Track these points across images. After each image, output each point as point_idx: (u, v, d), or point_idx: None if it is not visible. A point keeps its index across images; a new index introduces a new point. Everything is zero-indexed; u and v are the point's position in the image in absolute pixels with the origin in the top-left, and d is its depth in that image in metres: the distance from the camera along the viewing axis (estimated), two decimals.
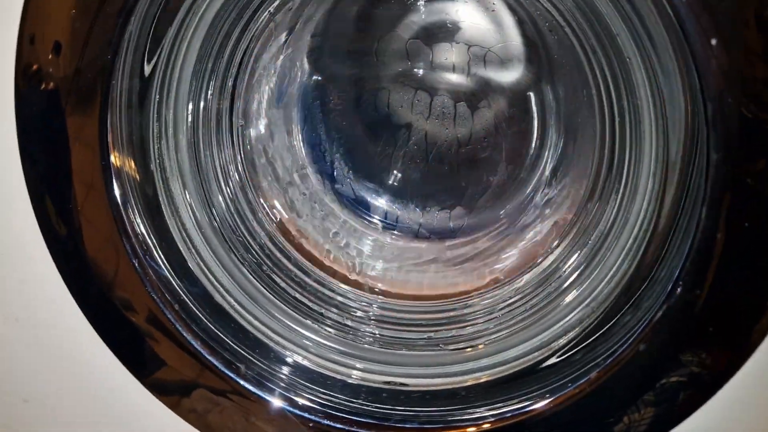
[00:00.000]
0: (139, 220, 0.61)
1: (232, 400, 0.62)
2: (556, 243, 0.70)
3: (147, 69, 0.60)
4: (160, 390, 0.62)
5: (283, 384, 0.62)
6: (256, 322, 0.66)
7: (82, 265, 0.60)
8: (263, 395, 0.62)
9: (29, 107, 0.57)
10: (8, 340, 0.67)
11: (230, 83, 0.71)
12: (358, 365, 0.65)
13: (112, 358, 0.62)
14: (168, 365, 0.61)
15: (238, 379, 0.62)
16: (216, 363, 0.62)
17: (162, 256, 0.62)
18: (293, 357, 0.65)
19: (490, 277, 0.73)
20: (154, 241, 0.62)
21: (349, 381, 0.63)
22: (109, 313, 0.61)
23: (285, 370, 0.63)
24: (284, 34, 0.75)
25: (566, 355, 0.59)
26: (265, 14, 0.70)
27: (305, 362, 0.65)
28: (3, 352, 0.68)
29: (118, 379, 0.63)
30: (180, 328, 0.61)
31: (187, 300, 0.63)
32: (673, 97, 0.51)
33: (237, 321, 0.64)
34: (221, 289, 0.65)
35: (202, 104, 0.68)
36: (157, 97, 0.62)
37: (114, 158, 0.59)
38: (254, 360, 0.63)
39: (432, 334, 0.70)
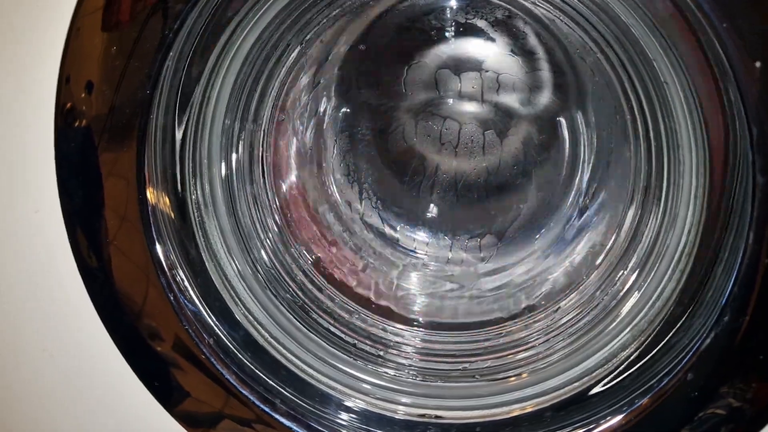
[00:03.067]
0: (173, 257, 0.61)
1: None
2: (592, 269, 0.69)
3: (183, 103, 0.61)
4: (188, 422, 0.62)
5: (328, 423, 0.61)
6: (290, 356, 0.65)
7: (112, 295, 0.60)
8: (298, 430, 0.61)
9: (65, 143, 0.58)
10: (42, 374, 0.67)
11: (263, 114, 0.72)
12: (403, 399, 0.64)
13: (145, 392, 0.62)
14: (192, 396, 0.61)
15: (272, 413, 0.61)
16: (250, 397, 0.61)
17: (196, 290, 0.62)
18: (331, 392, 0.64)
19: (525, 304, 0.72)
20: (189, 275, 0.62)
21: (396, 417, 0.62)
22: (138, 343, 0.61)
23: (327, 408, 0.63)
24: (315, 67, 0.75)
25: (613, 383, 0.57)
26: (298, 48, 0.71)
27: (341, 397, 0.64)
28: (37, 387, 0.68)
29: (151, 413, 0.62)
30: (214, 362, 0.61)
31: (221, 335, 0.63)
32: (713, 120, 0.51)
33: (273, 356, 0.64)
34: (257, 324, 0.65)
35: (235, 137, 0.69)
36: (193, 130, 0.63)
37: (149, 193, 0.60)
38: (290, 395, 0.62)
39: (467, 365, 0.69)
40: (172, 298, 0.61)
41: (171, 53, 0.55)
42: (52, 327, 0.67)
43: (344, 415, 0.63)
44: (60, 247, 0.60)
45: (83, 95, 0.57)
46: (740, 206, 0.50)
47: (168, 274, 0.61)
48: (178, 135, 0.62)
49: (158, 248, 0.60)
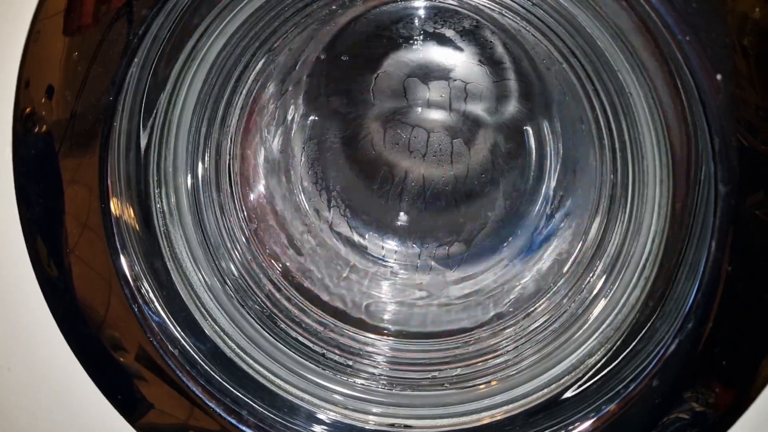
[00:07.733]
0: (138, 268, 0.60)
1: None
2: (560, 276, 0.70)
3: (148, 110, 0.59)
4: None
5: None
6: (258, 367, 0.64)
7: (73, 305, 0.59)
8: None
9: (24, 149, 0.57)
10: (0, 389, 0.65)
11: (230, 122, 0.71)
12: (373, 409, 0.64)
13: (108, 405, 0.61)
14: (156, 408, 0.60)
15: (238, 425, 0.60)
16: (216, 408, 0.60)
17: (161, 301, 0.61)
18: (300, 403, 0.64)
19: (494, 312, 0.73)
20: (154, 286, 0.61)
21: (367, 428, 0.62)
22: (100, 355, 0.60)
23: (296, 419, 0.62)
24: (283, 75, 0.75)
25: (581, 390, 0.58)
26: (265, 55, 0.70)
27: (310, 408, 0.63)
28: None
29: (114, 426, 0.61)
30: (179, 373, 0.60)
31: (187, 345, 0.62)
32: (676, 130, 0.52)
33: (240, 367, 0.63)
34: (224, 335, 0.64)
35: (202, 145, 0.68)
36: (158, 138, 0.62)
37: (113, 202, 0.58)
38: (258, 406, 0.61)
39: (437, 374, 0.69)
40: (136, 309, 0.60)
41: (136, 59, 0.54)
42: (10, 340, 0.64)
43: (315, 427, 0.62)
44: (18, 257, 0.59)
45: (43, 100, 0.56)
46: (703, 215, 0.50)
47: (132, 285, 0.59)
48: (143, 142, 0.61)
49: (122, 258, 0.59)
